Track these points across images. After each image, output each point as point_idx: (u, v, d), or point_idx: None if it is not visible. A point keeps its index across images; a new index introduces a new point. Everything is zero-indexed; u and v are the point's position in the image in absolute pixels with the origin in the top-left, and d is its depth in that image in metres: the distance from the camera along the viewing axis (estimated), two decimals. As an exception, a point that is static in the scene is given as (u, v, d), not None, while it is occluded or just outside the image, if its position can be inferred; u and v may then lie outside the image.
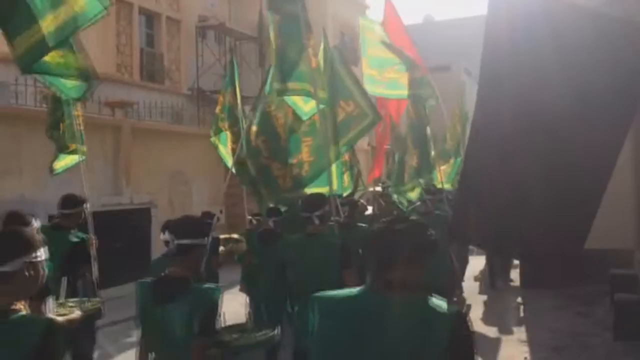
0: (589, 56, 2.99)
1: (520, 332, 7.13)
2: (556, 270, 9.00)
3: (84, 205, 5.23)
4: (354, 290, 2.17)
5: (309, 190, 6.00)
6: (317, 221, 4.28)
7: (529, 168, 3.12)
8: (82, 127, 6.13)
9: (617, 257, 8.52)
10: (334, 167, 6.26)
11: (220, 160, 8.06)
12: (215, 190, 13.75)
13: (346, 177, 8.33)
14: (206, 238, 3.15)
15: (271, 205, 6.42)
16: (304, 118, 6.02)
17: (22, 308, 2.16)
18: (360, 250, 4.59)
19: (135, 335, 3.17)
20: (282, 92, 5.28)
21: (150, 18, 14.95)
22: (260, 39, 17.13)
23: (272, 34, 5.21)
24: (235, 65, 7.68)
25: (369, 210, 9.17)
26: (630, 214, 8.81)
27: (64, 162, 6.41)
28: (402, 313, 2.03)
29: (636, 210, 8.81)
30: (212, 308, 2.85)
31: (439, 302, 2.06)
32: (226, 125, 7.25)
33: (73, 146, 6.19)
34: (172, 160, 11.97)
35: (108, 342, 6.69)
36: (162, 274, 3.00)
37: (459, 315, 2.08)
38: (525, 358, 6.23)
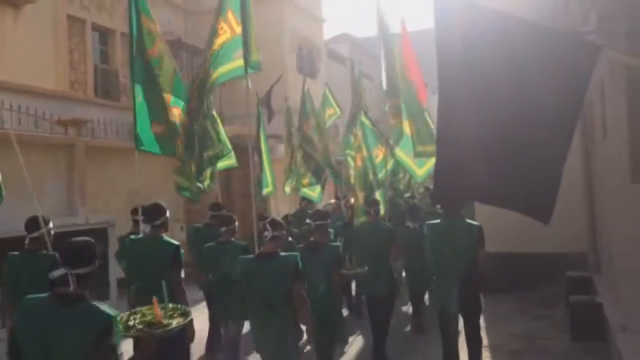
0: (536, 65, 3.09)
1: (481, 338, 7.20)
2: (513, 274, 9.21)
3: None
4: (440, 219, 5.90)
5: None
6: (372, 212, 6.73)
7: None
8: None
9: (572, 260, 8.76)
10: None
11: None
12: (173, 207, 13.52)
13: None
14: (328, 220, 5.73)
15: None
16: (418, 180, 9.42)
17: (280, 252, 4.49)
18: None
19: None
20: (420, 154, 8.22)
21: (104, 34, 14.69)
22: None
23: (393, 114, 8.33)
24: (305, 96, 10.00)
25: None
26: (583, 219, 9.09)
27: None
28: (458, 226, 5.69)
29: (588, 215, 9.09)
30: (337, 255, 5.46)
31: (471, 221, 5.88)
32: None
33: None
34: (128, 178, 11.67)
35: None
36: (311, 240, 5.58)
37: (479, 226, 5.74)
38: (487, 363, 6.32)
